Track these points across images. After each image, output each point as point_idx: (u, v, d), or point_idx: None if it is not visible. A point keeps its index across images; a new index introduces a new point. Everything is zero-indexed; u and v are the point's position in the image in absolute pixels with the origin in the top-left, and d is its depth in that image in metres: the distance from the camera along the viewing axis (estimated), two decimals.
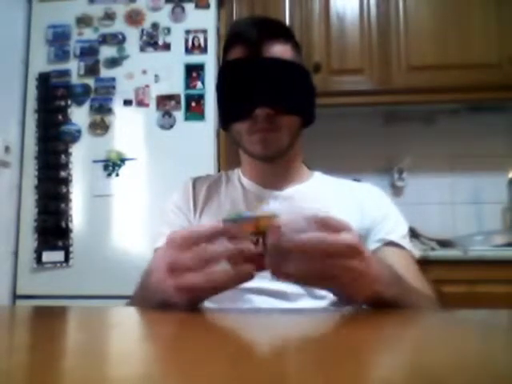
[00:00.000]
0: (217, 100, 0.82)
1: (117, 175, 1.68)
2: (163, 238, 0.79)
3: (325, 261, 0.46)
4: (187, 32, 1.73)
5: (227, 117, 0.80)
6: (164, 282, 0.49)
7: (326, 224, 0.47)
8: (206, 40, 1.72)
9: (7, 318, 0.53)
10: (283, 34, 0.79)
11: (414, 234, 1.64)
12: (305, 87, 0.78)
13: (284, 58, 0.76)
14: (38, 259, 1.66)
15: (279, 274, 0.48)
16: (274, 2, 1.86)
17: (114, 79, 1.73)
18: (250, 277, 0.48)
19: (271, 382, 0.24)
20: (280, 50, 0.76)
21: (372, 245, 0.76)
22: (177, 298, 0.48)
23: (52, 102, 1.75)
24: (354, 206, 0.80)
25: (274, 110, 0.74)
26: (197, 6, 1.74)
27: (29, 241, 1.68)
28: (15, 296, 1.67)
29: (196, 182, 0.87)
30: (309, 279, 0.49)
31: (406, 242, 0.78)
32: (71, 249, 1.66)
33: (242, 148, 0.82)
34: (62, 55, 1.77)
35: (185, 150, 1.66)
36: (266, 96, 0.74)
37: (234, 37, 0.79)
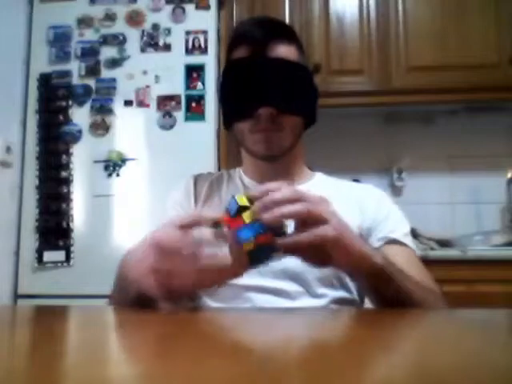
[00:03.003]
0: (220, 99, 0.82)
1: (117, 175, 1.69)
2: None
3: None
4: (187, 33, 1.73)
5: (230, 116, 0.80)
6: (145, 261, 0.52)
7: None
8: (206, 41, 1.72)
9: (8, 318, 0.54)
10: (288, 34, 0.79)
11: (413, 233, 1.63)
12: (308, 88, 0.79)
13: (288, 58, 0.76)
14: (39, 259, 1.67)
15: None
16: (273, 3, 1.86)
17: (114, 80, 1.73)
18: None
19: (270, 382, 0.24)
20: (285, 51, 0.76)
21: (375, 244, 0.76)
22: (152, 285, 0.50)
23: (53, 103, 1.75)
24: (355, 206, 0.80)
25: (277, 109, 0.74)
26: (197, 7, 1.74)
27: (30, 241, 1.69)
28: (16, 295, 1.68)
29: (197, 179, 0.88)
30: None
31: (409, 240, 0.78)
32: (72, 248, 1.66)
33: (245, 147, 0.82)
34: (62, 56, 1.77)
35: (185, 150, 1.67)
36: (270, 96, 0.74)
37: (239, 37, 0.79)
